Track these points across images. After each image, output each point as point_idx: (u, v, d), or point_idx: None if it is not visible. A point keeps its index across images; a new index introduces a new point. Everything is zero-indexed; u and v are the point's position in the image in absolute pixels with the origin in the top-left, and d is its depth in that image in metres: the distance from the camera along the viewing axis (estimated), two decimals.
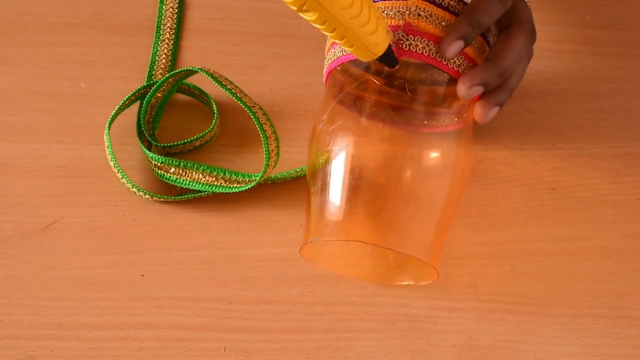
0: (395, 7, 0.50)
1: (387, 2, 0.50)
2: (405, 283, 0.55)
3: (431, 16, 0.49)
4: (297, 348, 0.54)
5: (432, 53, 0.49)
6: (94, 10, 0.63)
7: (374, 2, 0.50)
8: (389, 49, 0.47)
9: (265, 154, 0.55)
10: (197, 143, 0.58)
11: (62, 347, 0.54)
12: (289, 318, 0.55)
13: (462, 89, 0.50)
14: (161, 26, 0.62)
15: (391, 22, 0.49)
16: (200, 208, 0.57)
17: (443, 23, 0.49)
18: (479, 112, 0.52)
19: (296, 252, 0.53)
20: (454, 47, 0.49)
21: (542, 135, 0.59)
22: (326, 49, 0.55)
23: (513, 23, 0.52)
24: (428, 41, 0.49)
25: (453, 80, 0.51)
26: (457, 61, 0.50)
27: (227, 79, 0.57)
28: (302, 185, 0.58)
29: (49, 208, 0.57)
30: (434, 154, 0.51)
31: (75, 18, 0.62)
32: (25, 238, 0.56)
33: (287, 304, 0.55)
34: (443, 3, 0.50)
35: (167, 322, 0.54)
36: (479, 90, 0.50)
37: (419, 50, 0.49)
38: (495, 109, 0.52)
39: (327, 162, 0.51)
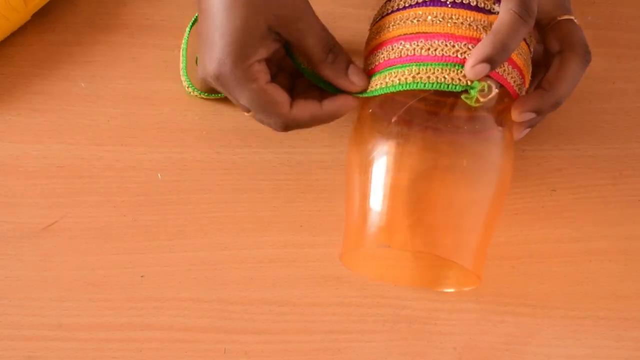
0: (477, 20, 0.50)
1: (470, 12, 0.50)
2: (448, 290, 0.55)
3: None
4: (298, 349, 0.54)
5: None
6: (94, 9, 0.62)
7: (458, 8, 0.50)
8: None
9: None
10: None
11: (62, 348, 0.54)
12: (290, 319, 0.55)
13: (515, 113, 0.51)
14: None
15: (472, 34, 0.49)
16: (201, 209, 0.57)
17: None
18: (516, 119, 0.52)
19: (297, 253, 0.53)
20: (478, 70, 0.48)
21: (543, 136, 0.59)
22: (366, 52, 0.54)
23: (566, 48, 0.52)
24: None
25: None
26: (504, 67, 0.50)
27: None
28: (302, 187, 0.58)
29: (49, 208, 0.57)
30: (476, 160, 0.51)
31: (75, 17, 0.62)
32: (25, 238, 0.56)
33: (287, 305, 0.55)
34: None
35: (167, 323, 0.54)
36: (531, 116, 0.51)
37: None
38: (528, 128, 0.54)
39: (369, 168, 0.51)
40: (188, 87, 0.59)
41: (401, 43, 0.50)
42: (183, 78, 0.60)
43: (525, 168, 0.58)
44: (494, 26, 0.48)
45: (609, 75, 0.61)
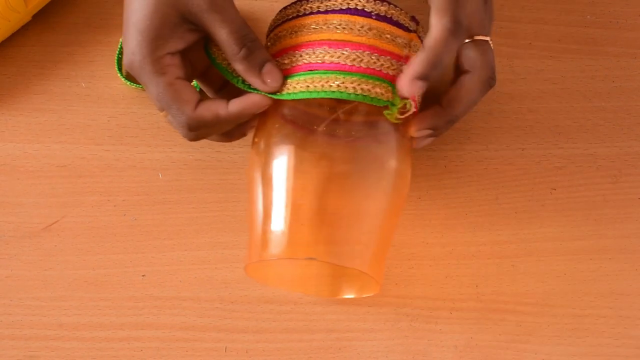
0: (399, 36, 0.49)
1: (393, 28, 0.50)
2: (349, 296, 0.54)
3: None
4: (299, 348, 0.54)
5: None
6: (94, 9, 0.62)
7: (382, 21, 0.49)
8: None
9: None
10: None
11: (63, 348, 0.54)
12: (291, 318, 0.55)
13: (412, 130, 0.50)
14: None
15: (394, 49, 0.49)
16: (201, 208, 0.57)
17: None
18: (413, 135, 0.51)
19: None
20: (414, 87, 0.47)
21: (543, 134, 0.59)
22: (277, 49, 0.51)
23: (471, 70, 0.51)
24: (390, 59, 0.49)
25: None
26: (392, 65, 0.49)
27: None
28: None
29: (50, 208, 0.57)
30: (371, 165, 0.50)
31: (75, 17, 0.62)
32: (25, 238, 0.56)
33: (288, 304, 0.55)
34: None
35: (168, 322, 0.54)
36: (428, 132, 0.51)
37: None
38: (429, 138, 0.52)
39: (268, 176, 0.49)
40: (123, 79, 0.59)
41: (324, 48, 0.49)
42: (118, 73, 0.60)
43: (524, 167, 0.59)
44: (426, 42, 0.46)
45: (608, 73, 0.61)
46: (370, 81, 0.48)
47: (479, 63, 0.51)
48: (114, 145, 0.58)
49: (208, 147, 0.59)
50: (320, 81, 0.48)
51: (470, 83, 0.51)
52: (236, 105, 0.49)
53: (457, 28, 0.46)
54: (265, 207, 0.49)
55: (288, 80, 0.49)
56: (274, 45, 0.52)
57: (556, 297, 0.56)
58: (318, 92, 0.48)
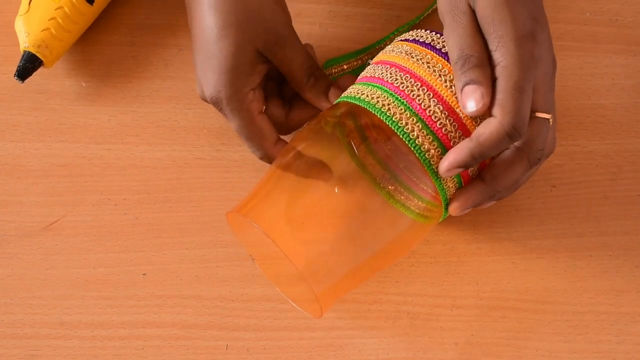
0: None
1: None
2: (292, 303, 0.54)
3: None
4: (299, 346, 0.54)
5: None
6: None
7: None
8: None
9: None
10: None
11: (64, 346, 0.54)
12: (291, 316, 0.55)
13: (454, 206, 0.49)
14: None
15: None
16: (202, 207, 0.57)
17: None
18: (453, 213, 0.50)
19: None
20: (451, 172, 0.47)
21: None
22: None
23: (523, 146, 0.48)
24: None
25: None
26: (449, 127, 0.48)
27: None
28: None
29: (50, 207, 0.57)
30: (385, 228, 0.49)
31: None
32: (26, 237, 0.56)
33: (289, 302, 0.55)
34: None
35: (169, 320, 0.54)
36: (469, 209, 0.49)
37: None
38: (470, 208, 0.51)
39: (300, 164, 0.50)
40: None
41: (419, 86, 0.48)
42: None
43: None
44: (478, 131, 0.46)
45: (608, 71, 0.61)
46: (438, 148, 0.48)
47: (532, 141, 0.48)
48: (114, 144, 0.58)
49: (208, 146, 0.59)
50: (376, 96, 0.48)
51: (517, 159, 0.48)
52: (311, 167, 0.51)
53: (514, 134, 0.45)
54: (273, 188, 0.49)
55: (365, 88, 0.50)
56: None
57: (556, 294, 0.56)
58: (393, 122, 0.47)
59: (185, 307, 0.55)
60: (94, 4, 0.59)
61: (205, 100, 0.53)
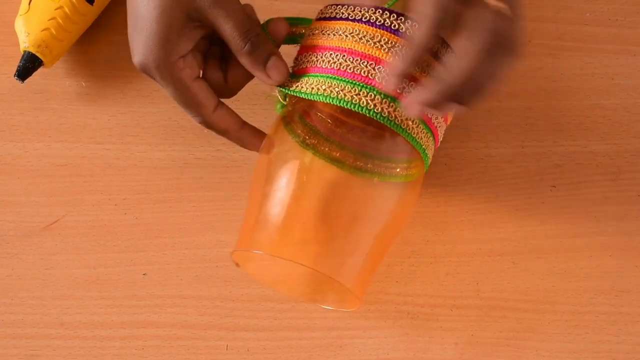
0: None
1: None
2: (327, 307, 0.54)
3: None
4: (299, 346, 0.54)
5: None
6: None
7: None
8: None
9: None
10: None
11: (64, 346, 0.54)
12: (291, 316, 0.55)
13: (404, 104, 0.46)
14: None
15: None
16: (202, 207, 0.57)
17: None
18: (406, 106, 0.46)
19: None
20: (416, 110, 0.45)
21: (543, 132, 0.59)
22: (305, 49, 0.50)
23: (467, 33, 0.43)
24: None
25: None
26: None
27: None
28: None
29: (50, 207, 0.57)
30: (377, 199, 0.50)
31: None
32: (26, 237, 0.56)
33: (289, 302, 0.55)
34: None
35: (169, 320, 0.54)
36: (422, 109, 0.45)
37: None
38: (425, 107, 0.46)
39: (276, 172, 0.50)
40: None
41: (344, 56, 0.47)
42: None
43: (524, 164, 0.59)
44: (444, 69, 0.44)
45: (608, 71, 0.61)
46: (384, 98, 0.47)
47: (471, 25, 0.43)
48: (114, 144, 0.58)
49: (208, 146, 0.59)
50: (350, 91, 0.47)
51: (461, 48, 0.44)
52: (247, 135, 0.51)
53: (438, 18, 0.42)
54: (265, 200, 0.49)
55: (312, 79, 0.48)
56: (310, 39, 0.50)
57: (556, 294, 0.56)
58: (343, 101, 0.47)
59: (185, 307, 0.55)
60: (94, 4, 0.59)
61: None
